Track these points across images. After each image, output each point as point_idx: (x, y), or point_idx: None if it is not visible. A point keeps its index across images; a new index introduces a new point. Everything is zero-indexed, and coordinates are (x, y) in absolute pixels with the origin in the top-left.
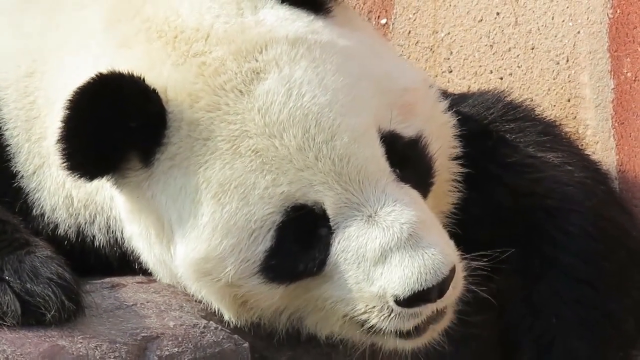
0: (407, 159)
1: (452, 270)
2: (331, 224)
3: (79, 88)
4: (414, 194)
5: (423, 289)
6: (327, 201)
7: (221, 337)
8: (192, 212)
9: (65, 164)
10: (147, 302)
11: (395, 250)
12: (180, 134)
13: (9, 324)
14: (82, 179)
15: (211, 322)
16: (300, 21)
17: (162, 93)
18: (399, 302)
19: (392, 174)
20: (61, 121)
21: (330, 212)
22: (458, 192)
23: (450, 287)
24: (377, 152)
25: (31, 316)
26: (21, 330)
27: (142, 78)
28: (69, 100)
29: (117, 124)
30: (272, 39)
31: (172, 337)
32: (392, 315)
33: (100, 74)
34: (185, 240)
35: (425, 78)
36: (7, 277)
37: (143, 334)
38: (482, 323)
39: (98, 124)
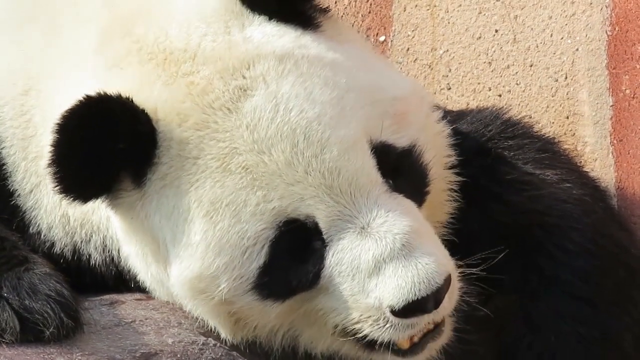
0: (400, 168)
1: (447, 280)
2: (324, 237)
3: (66, 111)
4: (408, 203)
5: (417, 298)
6: (319, 214)
7: (220, 354)
8: (185, 231)
9: (57, 188)
10: (146, 319)
11: (389, 261)
12: (171, 153)
13: (7, 341)
14: (75, 201)
15: (210, 339)
16: (287, 36)
17: (153, 113)
18: (395, 312)
19: (385, 185)
20: (51, 145)
21: (322, 225)
22: (454, 201)
23: (446, 297)
24: (368, 163)
25: (30, 333)
26: (20, 347)
27: (130, 99)
28: (58, 123)
29: (106, 145)
30: (260, 55)
31: (171, 354)
32: (388, 325)
33: (88, 96)
34: (179, 259)
35: (417, 87)
36: (5, 294)
37: (142, 351)
38: (480, 341)
39: (87, 146)
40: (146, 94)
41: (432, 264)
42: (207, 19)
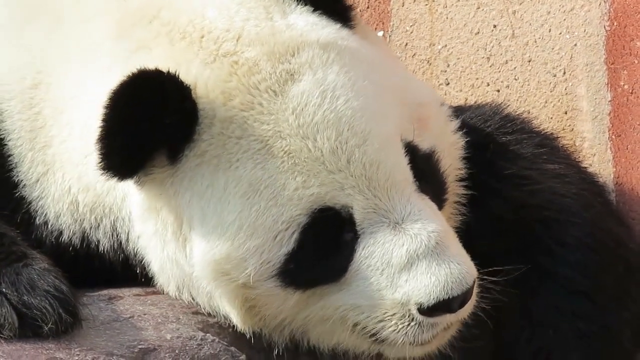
0: (423, 172)
1: (474, 284)
2: (357, 228)
3: (119, 86)
4: (434, 206)
5: (449, 297)
6: (356, 205)
7: (218, 349)
8: (218, 211)
9: (102, 164)
10: (144, 314)
11: (422, 258)
12: (212, 131)
13: (5, 336)
14: (115, 178)
15: (208, 334)
16: (329, 28)
17: (192, 90)
18: (422, 310)
19: (415, 184)
20: (102, 120)
21: (357, 216)
22: (461, 214)
23: (470, 301)
24: (403, 161)
25: (28, 328)
26: (18, 342)
27: (177, 75)
28: (110, 98)
29: (154, 121)
30: (304, 42)
31: (169, 350)
32: (412, 324)
33: (141, 70)
34: (207, 238)
35: (438, 95)
36: (4, 290)
37: (140, 346)
38: (480, 336)
39: (136, 122)
40: (183, 72)
41: (464, 265)
42: (245, 3)
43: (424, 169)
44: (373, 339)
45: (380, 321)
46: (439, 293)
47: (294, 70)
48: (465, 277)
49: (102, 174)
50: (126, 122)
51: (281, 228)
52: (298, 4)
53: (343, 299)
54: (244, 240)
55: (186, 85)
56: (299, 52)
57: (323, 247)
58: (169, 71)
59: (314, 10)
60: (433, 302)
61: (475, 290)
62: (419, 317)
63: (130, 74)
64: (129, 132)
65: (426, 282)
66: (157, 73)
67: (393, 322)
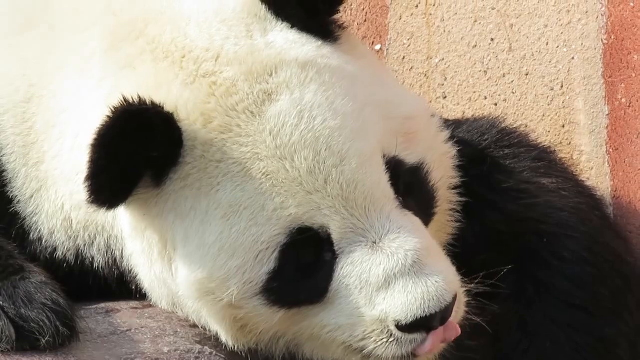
0: (409, 186)
1: (454, 299)
2: (335, 248)
3: (104, 124)
4: (417, 221)
5: (426, 315)
6: (333, 225)
7: None
8: (200, 232)
9: (92, 199)
10: (142, 327)
11: (399, 277)
12: (194, 154)
13: (3, 350)
14: (105, 209)
15: (206, 347)
16: (309, 45)
17: (174, 112)
18: (400, 327)
19: (396, 201)
20: (89, 160)
21: (335, 236)
22: (456, 222)
23: (453, 315)
24: (383, 178)
25: (25, 341)
26: (15, 355)
27: (162, 105)
28: (96, 138)
29: (140, 154)
30: (282, 61)
31: None
32: (391, 339)
33: (124, 108)
34: (190, 259)
35: (427, 107)
36: (1, 303)
37: (138, 359)
38: (477, 348)
39: (124, 158)
40: (164, 93)
41: (442, 282)
42: (227, 21)
43: (411, 182)
44: (362, 354)
45: (362, 339)
46: (415, 311)
47: (271, 91)
48: (444, 294)
49: (92, 208)
50: (113, 160)
51: (261, 248)
52: (279, 21)
53: (327, 318)
54: (225, 261)
55: (170, 114)
56: (277, 72)
57: (303, 266)
58: (152, 102)
59: (295, 27)
60: (410, 319)
61: (462, 303)
62: (398, 334)
63: (114, 109)
64: (117, 169)
65: (403, 300)
66: (142, 109)
67: (372, 339)
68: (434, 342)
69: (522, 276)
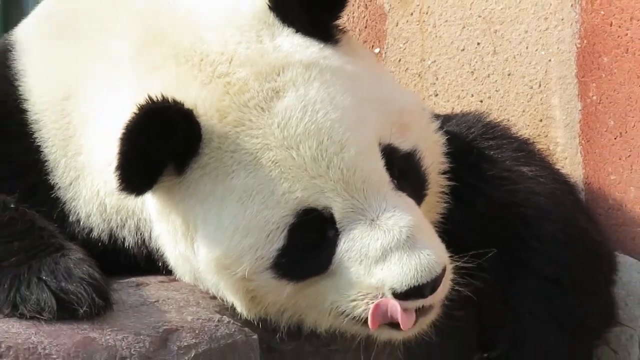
0: (403, 170)
1: (444, 270)
2: (337, 227)
3: (130, 121)
4: (410, 201)
5: (419, 284)
6: (335, 206)
7: (233, 329)
8: (217, 215)
9: (121, 187)
10: (168, 299)
11: (395, 250)
12: (212, 146)
13: (46, 318)
14: (134, 196)
15: (224, 316)
16: (312, 48)
17: (194, 109)
18: (395, 294)
19: (391, 183)
20: (118, 153)
21: (337, 216)
22: (445, 202)
23: (441, 285)
24: (379, 164)
25: (65, 311)
26: (57, 323)
27: (182, 103)
28: (124, 132)
29: (164, 146)
30: (288, 62)
31: (190, 330)
32: None
33: (149, 103)
34: (209, 238)
35: (419, 101)
36: (44, 277)
37: (164, 327)
38: (465, 318)
39: (149, 150)
40: (185, 92)
41: (433, 255)
42: (239, 27)
43: (405, 167)
44: (359, 322)
45: (353, 300)
46: (409, 280)
47: (278, 88)
48: (434, 266)
49: (122, 194)
50: (139, 152)
51: (272, 228)
52: (285, 27)
53: (331, 288)
54: (239, 240)
55: (189, 110)
56: (284, 72)
57: (309, 242)
58: (174, 100)
59: (299, 32)
60: (405, 288)
61: (449, 276)
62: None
63: (140, 107)
64: (143, 160)
65: (398, 271)
66: (164, 105)
67: (364, 302)
68: (406, 321)
69: (504, 255)
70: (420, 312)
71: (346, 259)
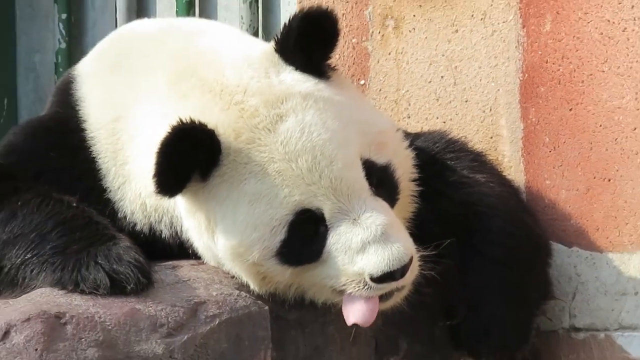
0: (380, 179)
1: (411, 259)
2: (327, 224)
3: (166, 137)
4: (385, 205)
5: (390, 270)
6: (325, 208)
7: (249, 302)
8: (232, 213)
9: (157, 190)
10: (197, 278)
11: (372, 243)
12: (229, 159)
13: (101, 293)
14: (168, 197)
15: (242, 292)
16: (309, 82)
17: (215, 130)
18: (372, 279)
19: (370, 190)
20: (155, 163)
21: (327, 215)
22: (415, 203)
23: (409, 271)
24: (360, 175)
25: (117, 288)
26: (109, 297)
27: (206, 125)
28: (160, 147)
29: (191, 159)
30: (290, 93)
31: (215, 302)
32: (366, 287)
33: (180, 124)
34: (226, 232)
35: (394, 123)
36: (100, 261)
37: (195, 300)
38: (431, 294)
39: (180, 162)
40: (208, 116)
41: (402, 247)
42: (252, 65)
43: (381, 177)
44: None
45: (344, 284)
46: (384, 267)
47: (282, 114)
48: (403, 256)
49: (158, 196)
50: (172, 163)
51: (275, 224)
52: (287, 65)
53: (322, 271)
54: (250, 233)
55: (211, 130)
56: (286, 101)
57: (305, 236)
58: (199, 122)
59: (299, 69)
60: (380, 273)
61: (415, 263)
62: (370, 283)
63: (173, 127)
64: (175, 169)
65: (375, 260)
66: (192, 126)
67: (352, 286)
68: (372, 308)
69: (462, 244)
70: (395, 292)
71: (334, 250)
